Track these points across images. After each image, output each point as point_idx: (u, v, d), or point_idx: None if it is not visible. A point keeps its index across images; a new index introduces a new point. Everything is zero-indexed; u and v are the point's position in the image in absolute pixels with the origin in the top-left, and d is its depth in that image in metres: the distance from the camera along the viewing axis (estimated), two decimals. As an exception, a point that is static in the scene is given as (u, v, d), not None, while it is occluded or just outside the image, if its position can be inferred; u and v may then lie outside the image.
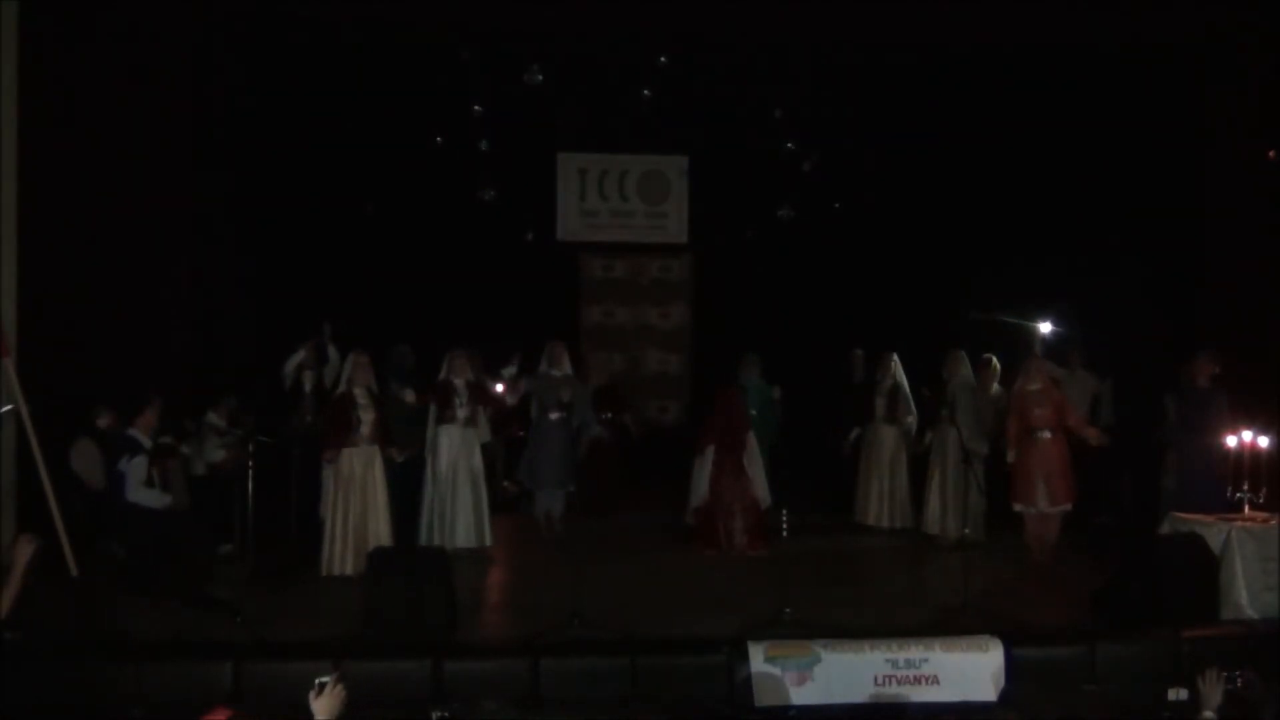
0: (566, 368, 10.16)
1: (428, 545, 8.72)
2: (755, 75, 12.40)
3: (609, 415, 11.38)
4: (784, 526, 9.87)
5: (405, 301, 12.46)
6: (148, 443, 7.99)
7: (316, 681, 4.03)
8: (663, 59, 12.19)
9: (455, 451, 9.16)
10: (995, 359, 10.14)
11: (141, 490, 7.87)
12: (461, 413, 9.18)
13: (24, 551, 5.13)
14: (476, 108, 12.76)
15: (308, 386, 9.57)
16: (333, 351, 9.72)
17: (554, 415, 9.99)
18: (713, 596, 7.87)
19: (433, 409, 9.21)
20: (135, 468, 7.85)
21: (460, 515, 9.10)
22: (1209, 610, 6.96)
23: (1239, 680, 4.59)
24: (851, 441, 10.72)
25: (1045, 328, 10.27)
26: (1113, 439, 9.59)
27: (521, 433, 10.50)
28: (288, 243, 12.27)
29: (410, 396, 9.24)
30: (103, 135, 8.98)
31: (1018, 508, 9.05)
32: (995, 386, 10.04)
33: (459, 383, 9.25)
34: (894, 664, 6.17)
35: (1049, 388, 9.16)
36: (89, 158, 8.86)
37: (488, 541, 9.24)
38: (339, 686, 4.02)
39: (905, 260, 13.29)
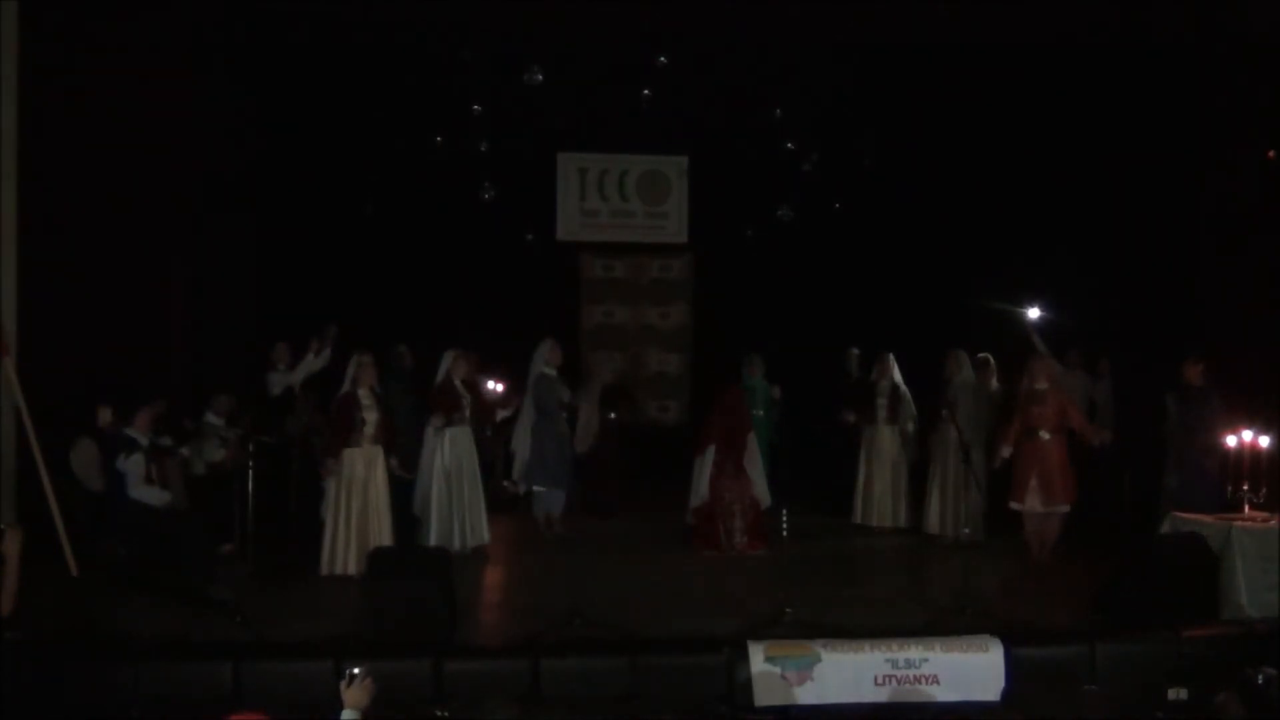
0: (548, 367, 10.12)
1: (434, 546, 8.69)
2: (755, 75, 12.40)
3: (613, 415, 11.41)
4: (784, 526, 9.89)
5: (404, 301, 12.47)
6: (145, 440, 7.99)
7: (347, 672, 4.23)
8: (663, 59, 12.19)
9: (458, 451, 9.15)
10: (992, 358, 10.14)
11: (142, 487, 7.87)
12: (464, 414, 9.19)
13: (14, 544, 5.14)
14: (476, 108, 12.76)
15: (296, 388, 9.62)
16: (327, 351, 9.73)
17: (553, 415, 9.98)
18: (713, 596, 7.88)
19: (430, 407, 9.18)
20: (133, 465, 7.85)
21: (466, 515, 9.11)
22: (1209, 610, 6.96)
23: (1260, 677, 4.59)
24: (848, 419, 10.67)
25: (1040, 323, 10.23)
26: (1113, 439, 9.59)
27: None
28: (288, 242, 12.28)
29: (439, 422, 9.13)
30: (102, 135, 8.98)
31: (1014, 506, 9.07)
32: (994, 384, 10.04)
33: (458, 384, 9.25)
34: (894, 664, 6.17)
35: (1054, 388, 9.16)
36: (89, 158, 8.86)
37: (486, 539, 9.25)
38: (368, 679, 4.21)
39: (905, 260, 13.30)
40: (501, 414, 10.09)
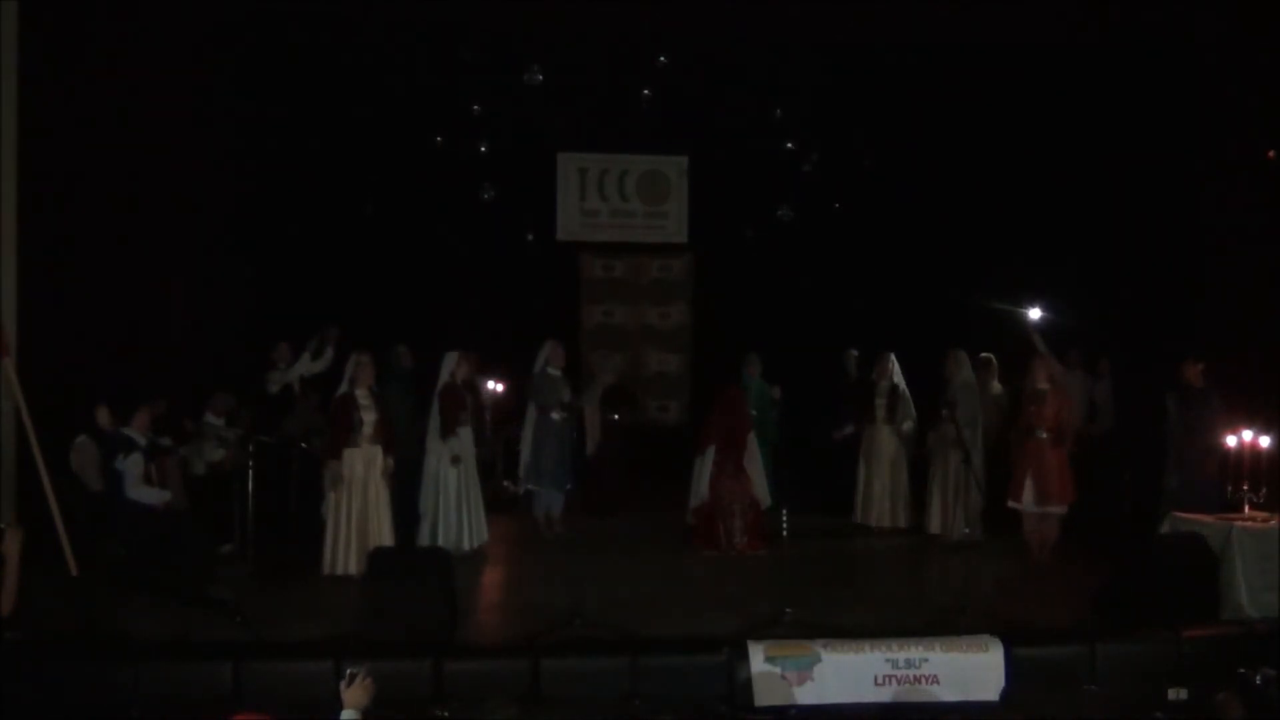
0: (550, 368, 10.12)
1: (435, 546, 8.70)
2: (755, 75, 12.41)
3: (616, 415, 11.43)
4: (784, 526, 9.89)
5: (404, 302, 12.47)
6: (143, 440, 7.99)
7: (347, 671, 4.27)
8: (663, 59, 12.21)
9: (462, 453, 9.16)
10: (994, 357, 10.12)
11: (140, 487, 7.86)
12: (468, 414, 9.21)
13: (14, 544, 5.13)
14: (476, 108, 12.76)
15: (296, 387, 9.62)
16: (329, 352, 9.74)
17: (555, 415, 9.98)
18: (713, 596, 7.87)
19: (437, 412, 9.19)
20: (132, 465, 7.85)
21: (468, 514, 9.13)
22: (1209, 610, 6.95)
23: (1259, 678, 4.58)
24: (845, 433, 10.70)
25: (1041, 323, 10.24)
26: (1113, 439, 9.58)
27: (519, 432, 10.47)
28: (287, 242, 12.28)
29: (452, 426, 9.16)
30: (103, 135, 8.98)
31: (1010, 505, 9.07)
32: (995, 384, 10.02)
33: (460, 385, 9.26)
34: (894, 664, 6.17)
35: (1055, 388, 9.14)
36: (89, 158, 8.86)
37: (485, 538, 9.28)
38: (369, 680, 4.24)
39: (905, 260, 13.30)
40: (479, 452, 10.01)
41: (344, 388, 8.56)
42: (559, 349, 10.13)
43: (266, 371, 9.79)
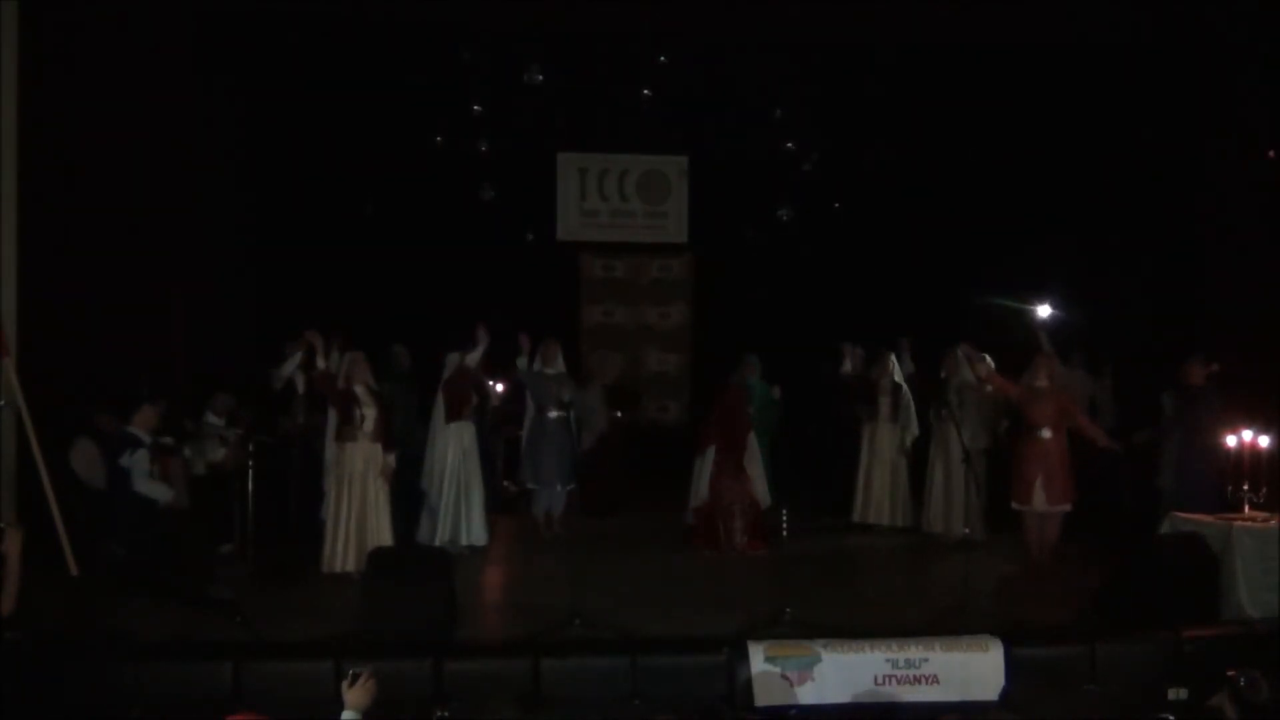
0: (560, 366, 10.15)
1: (436, 545, 8.70)
2: (755, 75, 12.41)
3: (619, 414, 11.43)
4: (784, 526, 9.89)
5: (404, 301, 12.48)
6: (147, 438, 7.98)
7: (350, 672, 4.32)
8: (663, 59, 12.21)
9: (463, 449, 9.17)
10: (987, 357, 10.12)
11: (147, 481, 7.85)
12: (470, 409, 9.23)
13: (14, 544, 5.14)
14: (476, 108, 12.77)
15: (300, 389, 9.60)
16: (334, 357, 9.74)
17: (553, 414, 9.99)
18: (713, 596, 7.87)
19: (440, 408, 9.18)
20: (138, 461, 7.82)
21: (473, 513, 9.14)
22: (1209, 610, 6.95)
23: (1243, 680, 4.57)
24: (856, 412, 10.67)
25: (1046, 320, 10.22)
26: (1113, 439, 9.56)
27: (520, 432, 10.49)
28: (287, 242, 12.28)
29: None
30: (102, 135, 8.98)
31: (1016, 507, 9.05)
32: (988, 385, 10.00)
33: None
34: (894, 664, 6.17)
35: (1054, 386, 9.13)
36: (89, 158, 8.85)
37: (483, 541, 9.29)
38: (371, 680, 4.28)
39: (904, 260, 13.30)
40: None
41: (341, 384, 8.55)
42: (554, 348, 10.12)
43: (272, 367, 9.77)
